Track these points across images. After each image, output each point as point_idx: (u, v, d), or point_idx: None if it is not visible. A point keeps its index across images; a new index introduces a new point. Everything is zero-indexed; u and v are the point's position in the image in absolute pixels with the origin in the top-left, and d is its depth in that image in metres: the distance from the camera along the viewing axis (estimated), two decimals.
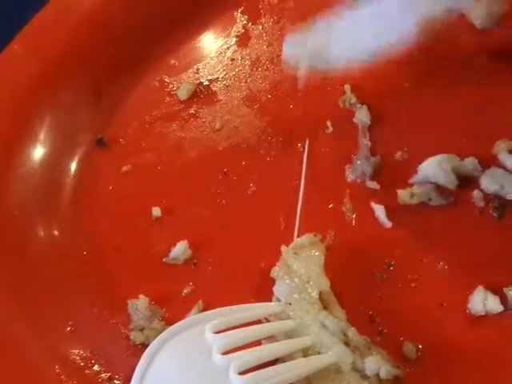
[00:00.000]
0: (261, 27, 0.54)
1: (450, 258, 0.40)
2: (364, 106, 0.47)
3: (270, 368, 0.34)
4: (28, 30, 0.52)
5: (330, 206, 0.44)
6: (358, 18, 0.44)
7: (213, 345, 0.35)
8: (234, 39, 0.54)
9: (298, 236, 0.42)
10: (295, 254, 0.39)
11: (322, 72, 0.47)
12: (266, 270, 0.42)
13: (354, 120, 0.47)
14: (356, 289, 0.41)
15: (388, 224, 0.43)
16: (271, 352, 0.35)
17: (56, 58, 0.52)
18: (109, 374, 0.40)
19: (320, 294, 0.38)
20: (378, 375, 0.34)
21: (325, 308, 0.38)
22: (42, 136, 0.50)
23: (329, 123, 0.47)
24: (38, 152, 0.50)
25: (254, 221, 0.45)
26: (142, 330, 0.41)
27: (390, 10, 0.43)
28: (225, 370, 0.34)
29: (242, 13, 0.55)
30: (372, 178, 0.44)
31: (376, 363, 0.34)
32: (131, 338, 0.41)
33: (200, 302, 0.42)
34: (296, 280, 0.38)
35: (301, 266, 0.39)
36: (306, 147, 0.47)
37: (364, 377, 0.35)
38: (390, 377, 0.34)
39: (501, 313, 0.38)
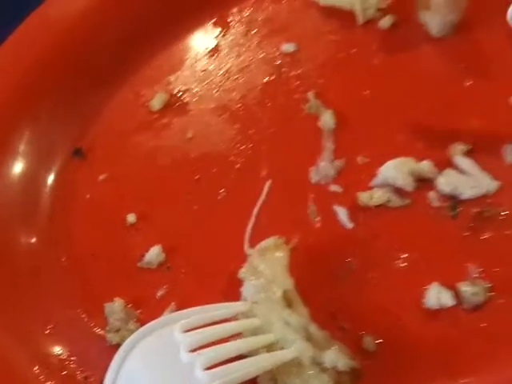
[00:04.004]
0: (231, 39, 0.57)
1: (408, 257, 0.43)
2: (329, 110, 0.49)
3: (235, 363, 0.36)
4: (5, 47, 0.54)
5: (295, 208, 0.46)
6: None
7: (181, 343, 0.37)
8: (206, 51, 0.57)
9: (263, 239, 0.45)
10: (261, 255, 0.42)
11: None
12: (234, 272, 0.44)
13: (319, 124, 0.49)
14: (319, 288, 0.43)
15: (350, 225, 0.45)
16: (236, 348, 0.37)
17: (33, 75, 0.54)
18: (85, 374, 0.42)
19: (284, 293, 0.40)
20: (336, 367, 0.37)
21: (289, 306, 0.40)
22: (21, 148, 0.53)
23: (295, 128, 0.50)
24: (18, 163, 0.52)
25: (224, 225, 0.47)
26: (117, 331, 0.44)
27: None
28: (192, 367, 0.36)
29: (213, 25, 0.58)
30: (335, 181, 0.47)
31: (334, 356, 0.37)
32: (107, 339, 0.44)
33: (172, 304, 0.44)
34: (262, 280, 0.41)
35: (266, 267, 0.41)
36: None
37: (323, 369, 0.37)
38: (348, 369, 0.37)
39: (454, 307, 0.40)
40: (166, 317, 0.41)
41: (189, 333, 0.38)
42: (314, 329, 0.39)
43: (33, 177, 0.52)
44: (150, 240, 0.48)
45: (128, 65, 0.56)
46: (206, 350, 0.37)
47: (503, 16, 0.49)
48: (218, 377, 0.35)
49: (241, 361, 0.37)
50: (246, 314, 0.40)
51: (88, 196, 0.52)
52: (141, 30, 0.56)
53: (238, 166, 0.50)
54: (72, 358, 0.43)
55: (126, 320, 0.44)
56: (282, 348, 0.38)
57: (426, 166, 0.45)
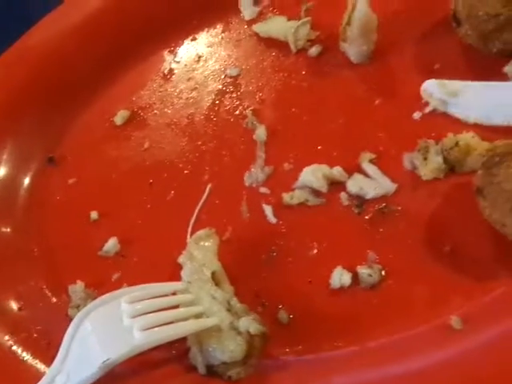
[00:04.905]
0: (184, 64, 0.66)
1: (320, 245, 0.51)
2: (262, 125, 0.59)
3: (165, 326, 0.45)
4: None
5: (230, 206, 0.55)
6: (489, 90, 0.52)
7: (124, 311, 0.45)
8: (162, 74, 0.66)
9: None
10: (195, 244, 0.50)
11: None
12: (176, 259, 0.53)
13: (254, 137, 0.58)
14: (246, 271, 0.51)
15: (274, 220, 0.53)
16: (168, 316, 0.46)
17: (15, 95, 0.65)
18: (47, 340, 0.51)
19: (213, 273, 0.49)
20: (249, 332, 0.45)
21: (217, 285, 0.49)
22: (3, 156, 0.63)
23: (234, 140, 0.59)
24: (0, 168, 0.62)
25: (171, 221, 0.56)
26: (78, 307, 0.52)
27: None
28: (131, 329, 0.44)
29: (169, 52, 0.68)
30: (264, 184, 0.56)
31: (247, 322, 0.45)
32: (69, 313, 0.52)
33: (125, 285, 0.53)
34: (195, 264, 0.49)
35: (199, 253, 0.49)
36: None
37: (239, 333, 0.45)
38: (258, 332, 0.45)
39: (353, 287, 0.48)
40: (116, 292, 0.49)
41: (132, 303, 0.46)
42: (234, 302, 0.47)
43: (12, 179, 0.62)
44: (109, 233, 0.57)
45: (96, 86, 0.66)
46: (143, 316, 0.45)
47: (410, 46, 0.58)
48: (151, 335, 0.44)
49: (171, 324, 0.45)
50: (182, 292, 0.49)
51: (58, 197, 0.61)
52: (108, 57, 0.66)
53: (186, 171, 0.59)
54: (37, 328, 0.52)
55: (85, 298, 0.52)
56: (208, 317, 0.47)
57: (337, 171, 0.53)
